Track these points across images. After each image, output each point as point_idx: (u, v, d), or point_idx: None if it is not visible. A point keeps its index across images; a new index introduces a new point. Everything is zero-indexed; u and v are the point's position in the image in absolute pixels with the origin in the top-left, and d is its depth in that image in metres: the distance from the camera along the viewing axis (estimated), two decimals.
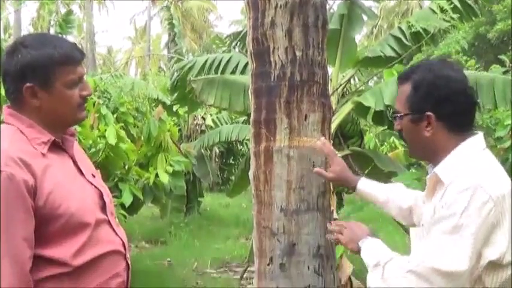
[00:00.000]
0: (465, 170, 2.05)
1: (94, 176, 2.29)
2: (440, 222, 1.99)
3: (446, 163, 2.13)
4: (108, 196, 2.28)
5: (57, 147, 2.16)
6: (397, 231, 9.12)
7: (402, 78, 2.27)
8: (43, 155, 2.06)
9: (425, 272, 1.96)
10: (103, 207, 2.21)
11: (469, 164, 2.07)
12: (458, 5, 6.48)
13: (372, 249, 2.28)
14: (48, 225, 1.99)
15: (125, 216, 6.00)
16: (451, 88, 2.13)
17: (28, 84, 2.07)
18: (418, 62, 2.30)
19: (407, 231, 2.67)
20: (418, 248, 2.08)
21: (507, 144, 6.57)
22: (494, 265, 1.99)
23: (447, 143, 2.15)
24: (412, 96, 2.19)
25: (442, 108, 2.13)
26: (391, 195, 2.72)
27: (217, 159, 16.81)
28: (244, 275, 8.21)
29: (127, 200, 6.23)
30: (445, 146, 2.15)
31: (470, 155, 2.11)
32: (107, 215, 2.21)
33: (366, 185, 2.78)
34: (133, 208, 6.71)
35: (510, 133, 6.54)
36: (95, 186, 2.23)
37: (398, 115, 2.25)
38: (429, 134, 2.16)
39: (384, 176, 7.18)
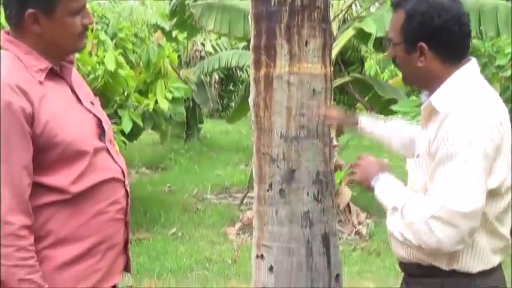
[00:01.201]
0: (461, 100, 2.02)
1: (93, 104, 2.26)
2: (448, 160, 1.96)
3: (440, 92, 2.09)
4: (107, 123, 2.26)
5: (55, 74, 2.13)
6: (395, 157, 9.15)
7: (395, 5, 2.19)
8: (40, 82, 2.03)
9: (448, 216, 1.93)
10: (101, 135, 2.20)
11: (464, 94, 2.04)
12: None
13: (386, 189, 2.24)
14: (45, 153, 1.99)
15: (124, 143, 6.03)
16: (446, 18, 2.05)
17: (31, 10, 2.02)
18: None
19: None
20: (432, 190, 2.02)
21: (508, 72, 6.53)
22: (494, 194, 2.00)
23: (441, 73, 2.11)
24: (405, 26, 2.12)
25: (435, 39, 2.08)
26: (393, 127, 2.77)
27: (217, 86, 16.76)
28: (244, 201, 8.32)
29: (126, 126, 6.25)
30: (439, 76, 2.11)
31: (464, 84, 2.08)
32: (105, 143, 2.20)
33: (368, 120, 2.90)
34: (133, 135, 6.75)
35: (511, 62, 6.49)
36: (94, 114, 2.21)
37: (392, 43, 2.20)
38: (422, 64, 2.12)
39: (384, 103, 7.20)
